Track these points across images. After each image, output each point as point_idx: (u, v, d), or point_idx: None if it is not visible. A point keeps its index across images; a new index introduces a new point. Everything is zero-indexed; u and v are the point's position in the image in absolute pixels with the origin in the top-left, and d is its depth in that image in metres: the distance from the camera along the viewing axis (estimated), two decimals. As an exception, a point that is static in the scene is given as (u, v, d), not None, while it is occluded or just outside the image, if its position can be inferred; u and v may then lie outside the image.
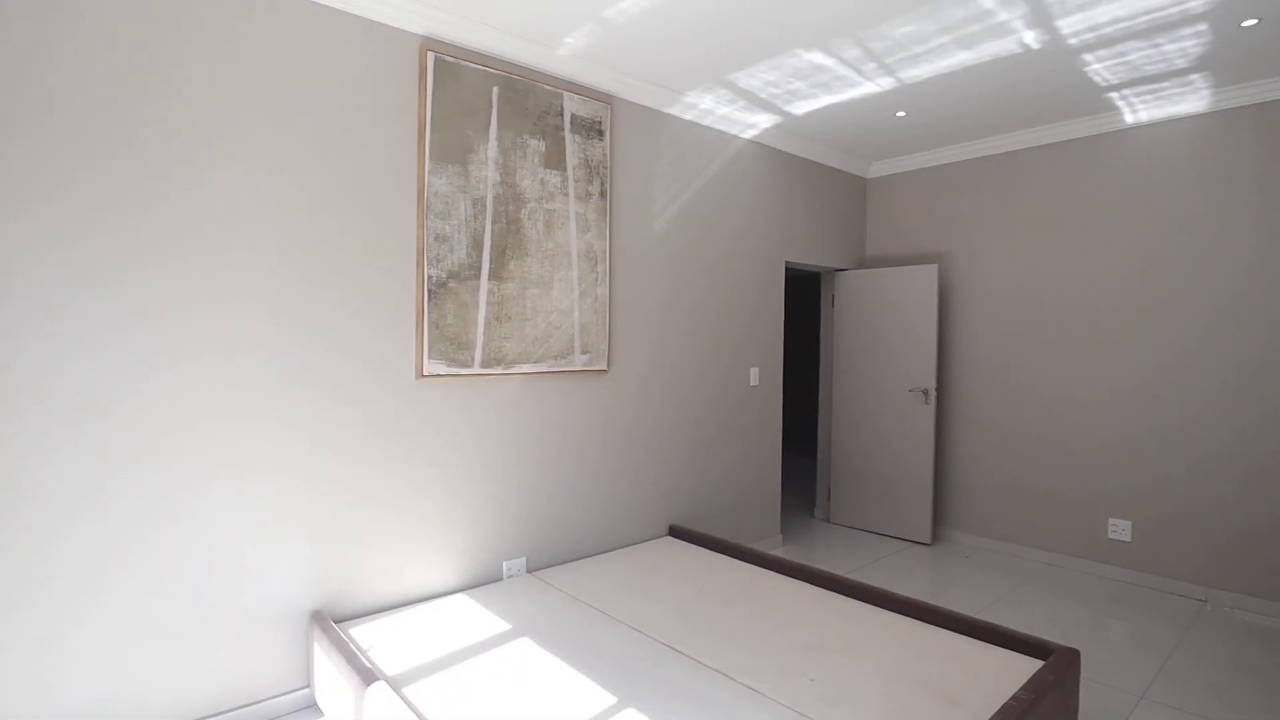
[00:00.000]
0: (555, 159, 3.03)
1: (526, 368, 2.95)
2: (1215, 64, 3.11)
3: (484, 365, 2.81)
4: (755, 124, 3.90)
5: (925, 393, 4.37)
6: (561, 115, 3.04)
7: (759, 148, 4.06)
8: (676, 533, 3.52)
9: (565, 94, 3.05)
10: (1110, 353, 3.85)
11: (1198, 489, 3.54)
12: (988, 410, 4.34)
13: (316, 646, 2.28)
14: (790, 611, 2.55)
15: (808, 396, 8.72)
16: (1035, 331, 4.14)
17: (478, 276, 2.77)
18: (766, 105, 3.65)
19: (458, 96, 2.70)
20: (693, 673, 2.09)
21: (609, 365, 3.29)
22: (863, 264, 4.96)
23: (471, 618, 2.48)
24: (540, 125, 2.97)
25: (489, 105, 2.79)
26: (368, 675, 1.94)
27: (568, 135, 3.07)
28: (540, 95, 2.96)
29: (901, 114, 3.79)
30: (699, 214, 3.71)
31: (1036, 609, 3.39)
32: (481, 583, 2.86)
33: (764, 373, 4.13)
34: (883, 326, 4.58)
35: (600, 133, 3.19)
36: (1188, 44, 2.90)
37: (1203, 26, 2.74)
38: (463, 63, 2.70)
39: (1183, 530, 3.59)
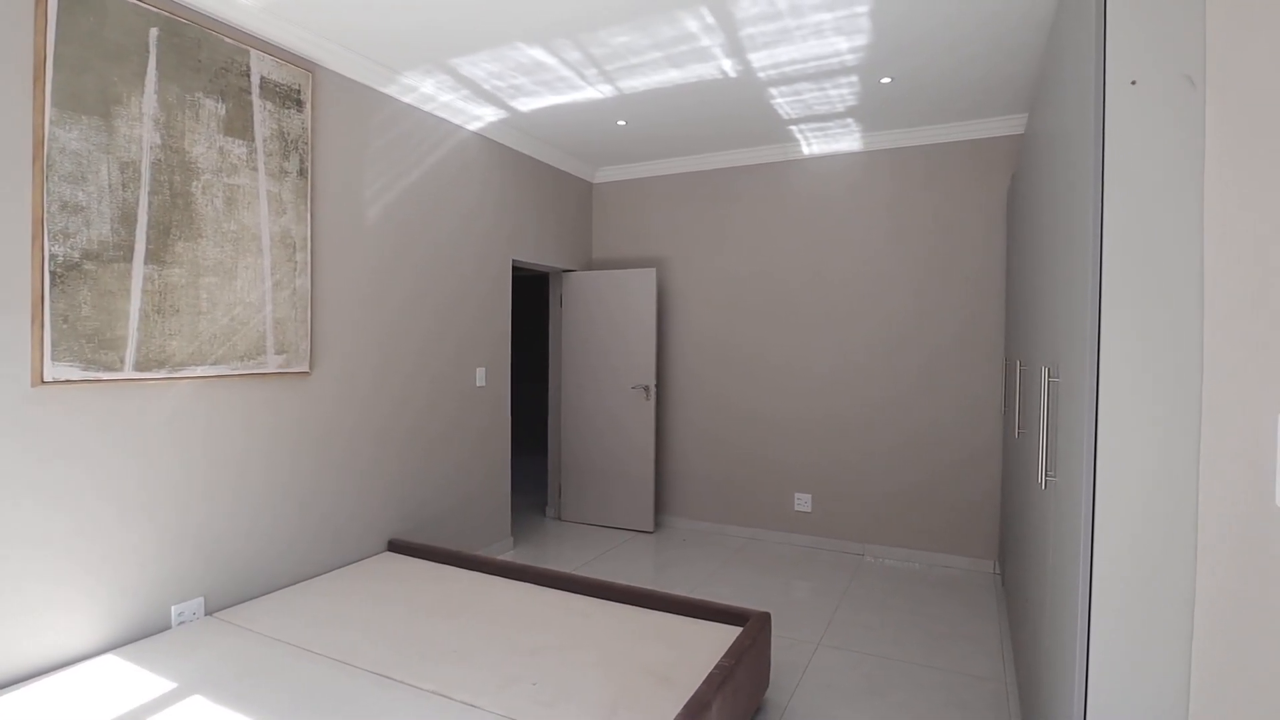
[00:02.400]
0: (240, 126, 2.59)
1: (202, 370, 2.47)
2: (864, 111, 3.77)
3: (140, 368, 2.28)
4: (481, 116, 3.78)
5: (646, 389, 4.65)
6: (248, 76, 2.61)
7: (486, 141, 3.95)
8: (396, 547, 3.25)
9: (253, 52, 2.62)
10: (796, 355, 4.46)
11: (860, 466, 4.27)
12: (699, 404, 4.76)
13: None
14: (515, 616, 2.49)
15: (546, 396, 8.81)
16: (736, 333, 4.65)
17: (129, 258, 2.25)
18: (491, 98, 3.56)
19: (98, 33, 2.15)
20: (405, 698, 1.91)
21: (311, 367, 2.91)
22: (590, 266, 5.12)
23: (122, 683, 1.99)
24: (219, 84, 2.52)
25: (144, 49, 2.28)
26: (-61, 788, 1.43)
27: (256, 100, 2.65)
28: (218, 48, 2.51)
29: (622, 123, 3.97)
30: (420, 204, 3.48)
31: (741, 580, 3.78)
32: (141, 636, 2.32)
33: (491, 372, 4.02)
34: (607, 326, 4.77)
35: (299, 103, 2.81)
36: (844, 91, 3.47)
37: (854, 78, 3.29)
38: (104, -9, 2.17)
39: (849, 499, 4.31)
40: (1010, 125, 3.80)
